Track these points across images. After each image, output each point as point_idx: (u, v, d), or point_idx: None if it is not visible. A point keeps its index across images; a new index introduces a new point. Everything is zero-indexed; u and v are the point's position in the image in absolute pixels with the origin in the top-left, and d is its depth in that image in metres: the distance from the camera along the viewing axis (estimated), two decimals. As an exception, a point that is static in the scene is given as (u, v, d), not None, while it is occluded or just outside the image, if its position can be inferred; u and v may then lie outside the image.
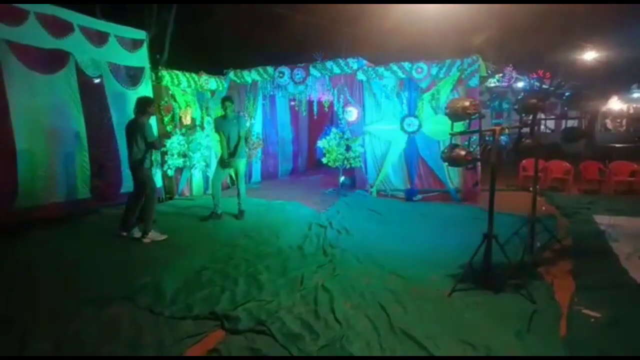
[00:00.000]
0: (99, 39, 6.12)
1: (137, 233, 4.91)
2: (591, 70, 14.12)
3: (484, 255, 3.39)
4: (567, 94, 17.83)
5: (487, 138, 3.57)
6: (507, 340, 2.61)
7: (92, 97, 6.07)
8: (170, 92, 7.20)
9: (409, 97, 7.18)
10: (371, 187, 7.60)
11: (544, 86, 15.64)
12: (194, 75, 7.69)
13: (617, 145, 13.75)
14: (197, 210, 6.32)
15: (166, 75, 7.12)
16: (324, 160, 7.77)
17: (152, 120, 5.68)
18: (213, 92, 8.15)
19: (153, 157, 5.11)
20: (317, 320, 2.88)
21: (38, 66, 5.34)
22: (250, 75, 8.30)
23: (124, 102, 6.29)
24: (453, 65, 6.80)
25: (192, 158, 7.26)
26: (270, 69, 8.09)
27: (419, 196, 7.22)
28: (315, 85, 7.80)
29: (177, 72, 7.36)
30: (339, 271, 3.82)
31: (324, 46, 8.26)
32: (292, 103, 9.88)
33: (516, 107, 4.24)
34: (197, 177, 7.78)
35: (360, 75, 7.40)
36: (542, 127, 15.88)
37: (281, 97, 9.19)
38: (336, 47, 11.71)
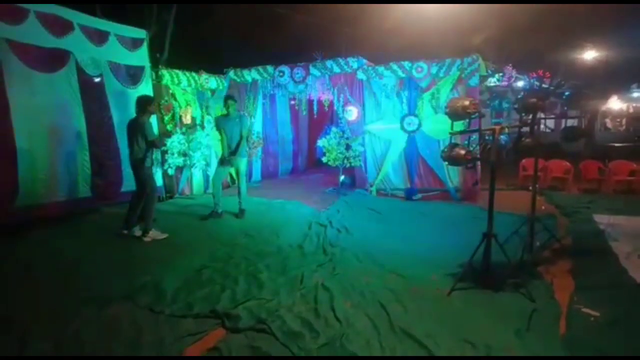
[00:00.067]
0: (99, 37, 6.12)
1: (137, 232, 4.92)
2: (591, 70, 14.13)
3: (484, 255, 3.40)
4: (566, 93, 17.84)
5: (486, 137, 3.57)
6: (506, 339, 2.62)
7: (93, 96, 6.06)
8: (171, 91, 7.20)
9: (409, 97, 7.18)
10: (371, 186, 7.60)
11: (543, 85, 15.64)
12: (194, 74, 7.69)
13: (617, 144, 13.74)
14: (198, 209, 6.32)
15: (166, 74, 7.12)
16: (324, 159, 7.78)
17: (153, 119, 5.68)
18: (213, 91, 8.15)
19: (154, 156, 5.12)
20: (317, 318, 2.88)
21: (38, 65, 5.34)
22: (250, 74, 8.30)
23: (124, 101, 6.28)
24: (453, 64, 6.80)
25: (192, 157, 7.27)
26: (270, 68, 8.09)
27: (419, 195, 7.22)
28: (315, 84, 7.80)
29: (177, 71, 7.36)
30: (339, 270, 3.83)
31: (324, 46, 8.26)
32: (292, 102, 9.88)
33: (516, 106, 4.25)
34: (197, 176, 7.78)
35: (361, 75, 7.40)
36: (542, 126, 15.88)
37: (281, 96, 9.19)
38: (336, 47, 11.70)
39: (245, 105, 8.35)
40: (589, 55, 13.76)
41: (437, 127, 6.88)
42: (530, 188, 4.50)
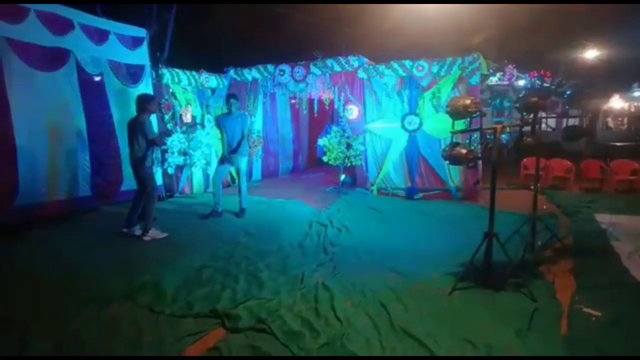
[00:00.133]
0: (100, 36, 6.11)
1: (137, 231, 4.91)
2: (592, 69, 14.10)
3: (485, 254, 3.38)
4: (568, 92, 17.78)
5: (488, 136, 3.56)
6: (507, 338, 2.61)
7: (93, 95, 6.06)
8: (171, 90, 7.19)
9: (410, 96, 7.16)
10: (372, 185, 7.59)
11: (545, 84, 15.60)
12: (194, 73, 7.68)
13: (618, 143, 13.72)
14: (198, 208, 6.32)
15: (166, 73, 7.11)
16: (325, 158, 7.77)
17: (153, 118, 5.67)
18: (213, 90, 8.14)
19: (154, 155, 5.11)
20: (318, 318, 2.87)
21: (38, 64, 5.33)
22: (250, 73, 8.29)
23: (124, 100, 6.28)
24: (454, 63, 6.78)
25: (192, 156, 7.26)
26: (270, 66, 8.08)
27: (420, 195, 7.21)
28: (315, 83, 7.78)
29: (177, 70, 7.35)
30: (339, 269, 3.82)
31: (325, 45, 8.25)
32: (293, 101, 9.87)
33: (517, 105, 4.23)
34: (197, 175, 7.77)
35: (361, 74, 7.38)
36: (543, 125, 15.86)
37: (282, 95, 9.18)
38: (337, 46, 11.67)
39: (245, 104, 8.34)
40: (591, 54, 13.73)
41: (438, 126, 6.86)
42: (532, 187, 4.49)
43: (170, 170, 7.12)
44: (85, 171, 5.95)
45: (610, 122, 18.64)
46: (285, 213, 6.14)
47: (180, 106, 7.28)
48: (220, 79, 8.28)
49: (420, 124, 7.11)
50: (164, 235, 4.90)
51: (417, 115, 7.12)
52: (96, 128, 6.08)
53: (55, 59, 5.54)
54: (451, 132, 3.66)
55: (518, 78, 15.02)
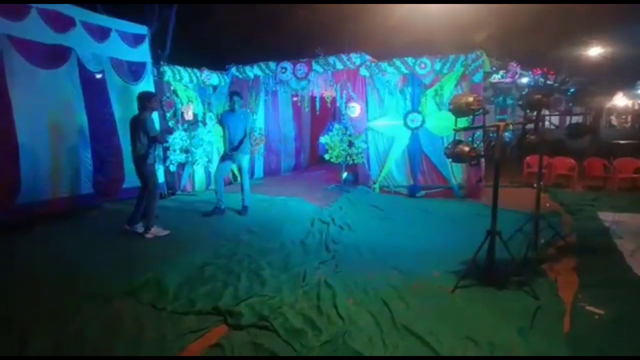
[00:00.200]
0: (101, 34, 6.11)
1: (140, 228, 4.92)
2: (596, 66, 14.01)
3: (488, 252, 3.37)
4: (571, 90, 17.70)
5: (491, 134, 3.54)
6: (510, 336, 2.60)
7: (94, 92, 6.07)
8: (172, 87, 7.18)
9: (413, 93, 7.14)
10: (374, 183, 7.58)
11: (548, 82, 15.52)
12: (195, 70, 7.67)
13: (622, 141, 13.66)
14: (200, 206, 6.32)
15: (168, 70, 7.10)
16: (327, 156, 7.75)
17: (155, 115, 5.67)
18: (215, 88, 8.14)
19: (156, 153, 5.11)
20: (320, 315, 2.87)
21: (40, 61, 5.33)
22: (252, 71, 8.27)
23: (126, 98, 6.28)
24: (457, 60, 6.75)
25: (194, 154, 7.26)
26: (272, 64, 8.06)
27: (422, 192, 7.19)
28: (317, 80, 7.76)
29: (179, 67, 7.34)
30: (341, 267, 3.82)
31: (327, 43, 8.21)
32: (295, 99, 9.85)
33: (520, 103, 4.20)
34: (199, 172, 7.78)
35: (363, 71, 7.36)
36: (547, 123, 15.77)
37: (283, 92, 9.16)
38: (339, 44, 11.64)
39: (247, 101, 8.33)
40: (594, 51, 13.64)
41: (440, 123, 6.84)
42: (535, 185, 4.47)
43: (172, 168, 7.12)
44: (87, 169, 5.96)
45: (614, 120, 18.56)
46: (287, 211, 6.13)
47: (182, 104, 7.28)
48: (222, 77, 8.27)
49: (423, 122, 7.08)
50: (166, 232, 4.90)
51: (419, 112, 7.09)
52: (98, 125, 6.09)
53: (56, 56, 5.54)
54: (454, 130, 3.65)
55: (521, 75, 14.95)
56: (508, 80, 14.73)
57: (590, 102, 16.27)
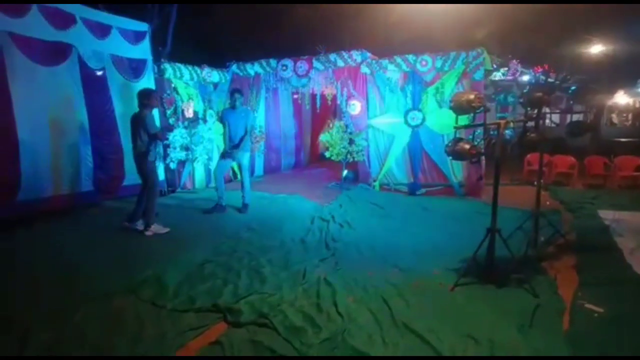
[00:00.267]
0: (102, 31, 6.10)
1: (139, 226, 4.92)
2: (597, 64, 13.96)
3: (487, 250, 3.37)
4: (572, 87, 17.66)
5: (491, 132, 3.53)
6: (509, 334, 2.60)
7: (95, 89, 6.06)
8: (173, 84, 7.18)
9: (413, 91, 7.12)
10: (374, 181, 7.58)
11: (549, 80, 15.49)
12: (196, 67, 7.67)
13: (623, 139, 13.64)
14: (200, 203, 6.33)
15: (169, 67, 7.09)
16: (327, 154, 7.75)
17: (155, 112, 5.66)
18: (216, 85, 8.13)
19: (157, 150, 5.11)
20: (320, 313, 2.87)
21: (41, 58, 5.33)
22: (253, 68, 8.26)
23: (126, 95, 6.27)
24: (458, 58, 6.74)
25: (194, 151, 7.26)
26: (273, 61, 8.05)
27: (423, 190, 7.19)
28: (318, 78, 7.75)
29: (179, 64, 7.34)
30: (341, 265, 3.82)
31: (328, 40, 8.19)
32: (295, 96, 9.84)
33: (521, 100, 4.19)
34: (199, 170, 7.78)
35: (364, 69, 7.35)
36: (547, 121, 15.75)
37: (284, 90, 9.14)
38: (339, 41, 11.61)
39: (248, 99, 8.32)
40: (595, 49, 13.59)
41: (441, 121, 6.83)
42: (535, 183, 4.47)
43: (172, 165, 7.12)
44: (87, 166, 5.96)
45: (615, 118, 18.51)
46: (288, 208, 6.14)
47: (182, 101, 7.28)
48: (223, 74, 8.26)
49: (424, 120, 7.07)
50: (166, 230, 4.91)
51: (420, 110, 7.08)
52: (98, 123, 6.09)
53: (57, 53, 5.54)
54: (454, 128, 3.64)
55: (522, 73, 14.93)
56: (509, 78, 14.71)
57: (591, 100, 16.23)
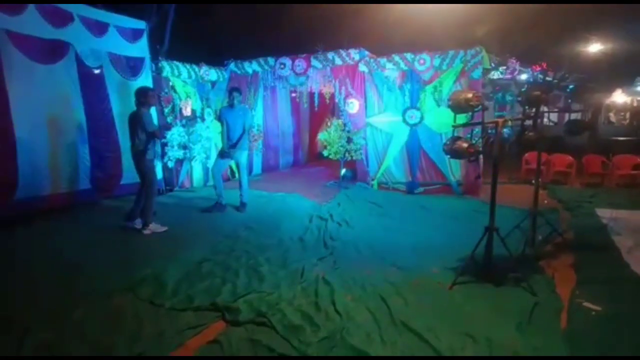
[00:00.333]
0: (99, 29, 6.08)
1: (138, 224, 4.91)
2: (595, 63, 13.99)
3: (485, 248, 3.38)
4: (570, 86, 17.69)
5: (489, 130, 3.53)
6: (507, 332, 2.61)
7: (93, 87, 6.04)
8: (171, 83, 7.16)
9: (411, 89, 7.11)
10: (372, 179, 7.58)
11: (547, 78, 15.51)
12: (194, 66, 7.64)
13: (621, 138, 13.66)
14: (198, 202, 6.32)
15: (166, 66, 7.07)
16: (325, 152, 7.74)
17: (153, 111, 5.65)
18: (214, 83, 8.11)
19: (155, 149, 5.10)
20: (318, 312, 2.88)
21: (38, 56, 5.31)
22: (251, 66, 8.24)
23: (124, 93, 6.26)
24: (456, 56, 6.73)
25: (192, 150, 7.25)
26: (271, 59, 8.03)
27: (421, 189, 7.20)
28: (316, 76, 7.73)
29: (177, 62, 7.31)
30: (339, 264, 3.82)
31: (326, 38, 8.17)
32: (293, 95, 9.83)
33: (519, 99, 4.19)
34: (197, 169, 7.76)
35: (362, 67, 7.34)
36: (545, 119, 15.77)
37: (282, 88, 9.13)
38: (338, 39, 11.60)
39: (246, 97, 8.30)
40: (594, 48, 13.61)
41: (439, 120, 6.83)
42: (533, 182, 4.47)
43: (170, 164, 7.11)
44: (85, 164, 5.95)
45: (613, 117, 18.53)
46: (286, 207, 6.14)
47: (180, 99, 7.26)
48: (221, 72, 8.24)
49: (422, 118, 7.07)
50: (164, 229, 4.90)
51: (418, 109, 7.08)
52: (96, 121, 6.07)
53: (54, 51, 5.52)
54: (453, 126, 3.64)
55: (520, 72, 14.93)
56: (507, 76, 14.72)
57: (589, 98, 16.26)
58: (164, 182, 7.16)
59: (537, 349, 2.44)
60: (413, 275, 3.52)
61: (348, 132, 7.46)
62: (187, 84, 7.50)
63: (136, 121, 4.70)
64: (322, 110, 9.54)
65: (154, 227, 4.85)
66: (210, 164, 7.47)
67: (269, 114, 9.50)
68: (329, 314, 2.85)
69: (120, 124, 6.17)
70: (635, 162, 7.86)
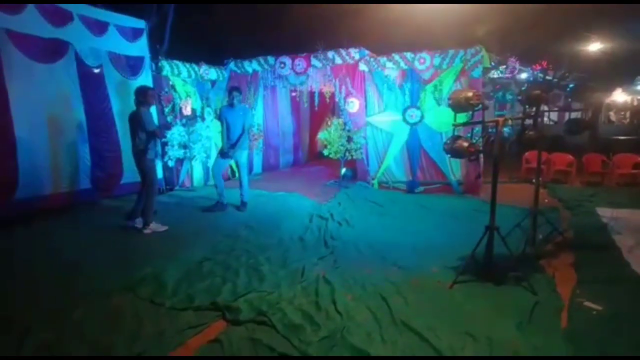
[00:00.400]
0: (99, 28, 6.07)
1: (138, 224, 4.91)
2: (595, 62, 13.97)
3: (486, 247, 3.38)
4: (571, 85, 17.67)
5: (490, 129, 3.53)
6: (508, 331, 2.61)
7: (92, 87, 6.03)
8: (171, 82, 7.15)
9: (412, 88, 7.11)
10: (373, 179, 7.57)
11: (547, 77, 15.49)
12: (194, 65, 7.64)
13: (621, 137, 13.65)
14: (198, 202, 6.32)
15: (166, 65, 7.07)
16: (326, 152, 7.74)
17: (153, 110, 5.65)
18: (213, 83, 8.10)
19: (157, 148, 5.09)
20: (318, 311, 2.88)
21: (38, 56, 5.31)
22: (250, 66, 8.24)
23: (124, 92, 6.26)
24: (456, 55, 6.73)
25: (192, 149, 7.24)
26: (271, 58, 8.02)
27: (421, 188, 7.20)
28: (316, 75, 7.73)
29: (177, 62, 7.31)
30: (340, 263, 3.82)
31: (326, 37, 8.15)
32: (294, 94, 9.82)
33: (520, 98, 4.19)
34: (197, 168, 7.76)
35: (362, 66, 7.33)
36: (546, 118, 15.75)
37: (282, 87, 9.13)
38: (338, 38, 11.59)
39: (246, 96, 8.29)
40: (594, 47, 13.59)
41: (439, 119, 6.83)
42: (533, 181, 4.47)
43: (171, 163, 7.10)
44: (85, 164, 5.94)
45: (613, 116, 18.51)
46: (286, 206, 6.13)
47: (180, 99, 7.25)
48: (220, 71, 8.24)
49: (422, 117, 7.07)
50: (165, 228, 4.90)
51: (418, 108, 7.08)
52: (96, 120, 6.06)
53: (54, 50, 5.51)
54: (453, 125, 3.64)
55: (520, 71, 14.92)
56: (507, 75, 14.71)
57: (589, 97, 16.24)
58: (165, 181, 7.16)
59: (537, 348, 2.44)
60: (413, 275, 3.51)
61: (348, 131, 7.46)
62: (187, 83, 7.50)
63: (136, 120, 4.70)
64: (322, 109, 9.53)
65: (155, 226, 4.85)
66: (211, 163, 7.47)
67: (269, 113, 9.49)
68: (330, 313, 2.85)
69: (121, 123, 6.17)
70: (635, 161, 7.85)
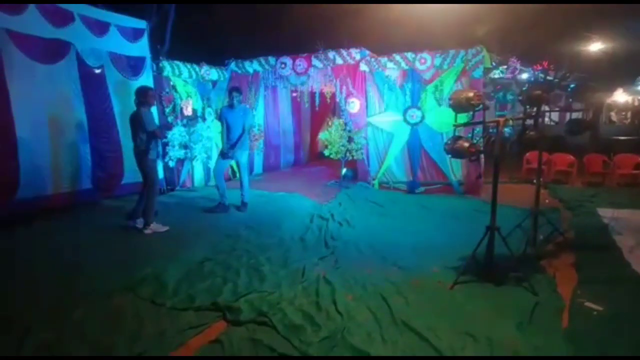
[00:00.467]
0: (100, 28, 6.08)
1: (139, 224, 4.92)
2: (596, 62, 13.96)
3: (487, 248, 3.38)
4: (571, 85, 17.66)
5: (490, 130, 3.53)
6: (508, 332, 2.61)
7: (93, 87, 6.04)
8: (172, 82, 7.16)
9: (412, 89, 7.11)
10: (373, 179, 7.57)
11: (548, 78, 15.48)
12: (195, 65, 7.64)
13: (622, 137, 13.64)
14: (199, 202, 6.32)
15: (167, 65, 7.07)
16: (326, 152, 7.74)
17: (154, 110, 5.65)
18: (214, 83, 8.11)
19: (158, 149, 5.10)
20: (319, 311, 2.88)
21: (39, 56, 5.31)
22: (251, 66, 8.24)
23: (125, 93, 6.25)
24: (457, 55, 6.72)
25: (193, 149, 7.25)
26: (272, 59, 8.02)
27: (422, 188, 7.19)
28: (317, 76, 7.73)
29: (178, 62, 7.31)
30: (340, 263, 3.82)
31: (327, 37, 8.15)
32: (294, 94, 9.82)
33: (520, 98, 4.19)
34: (198, 168, 7.77)
35: (363, 66, 7.33)
36: (546, 119, 15.74)
37: (283, 88, 9.13)
38: (338, 39, 11.59)
39: (246, 97, 8.30)
40: (595, 47, 13.58)
41: (440, 119, 6.83)
42: (534, 181, 4.47)
43: (171, 164, 7.11)
44: (86, 164, 5.95)
45: (614, 116, 18.50)
46: (287, 207, 6.13)
47: (181, 99, 7.26)
48: (221, 72, 8.24)
49: (423, 118, 7.07)
50: (165, 228, 4.90)
51: (419, 108, 7.08)
52: (97, 121, 6.07)
53: (55, 51, 5.52)
54: (454, 126, 3.64)
55: (521, 71, 14.91)
56: (508, 75, 14.70)
57: (590, 98, 16.23)
58: (165, 181, 7.16)
59: (538, 349, 2.44)
60: (414, 275, 3.51)
61: (349, 131, 7.46)
62: (188, 84, 7.50)
63: (137, 121, 4.70)
64: (323, 109, 9.54)
65: (155, 226, 4.86)
66: (211, 163, 7.48)
67: (269, 113, 9.50)
68: (330, 313, 2.85)
69: (121, 124, 6.18)
70: (636, 162, 7.85)
